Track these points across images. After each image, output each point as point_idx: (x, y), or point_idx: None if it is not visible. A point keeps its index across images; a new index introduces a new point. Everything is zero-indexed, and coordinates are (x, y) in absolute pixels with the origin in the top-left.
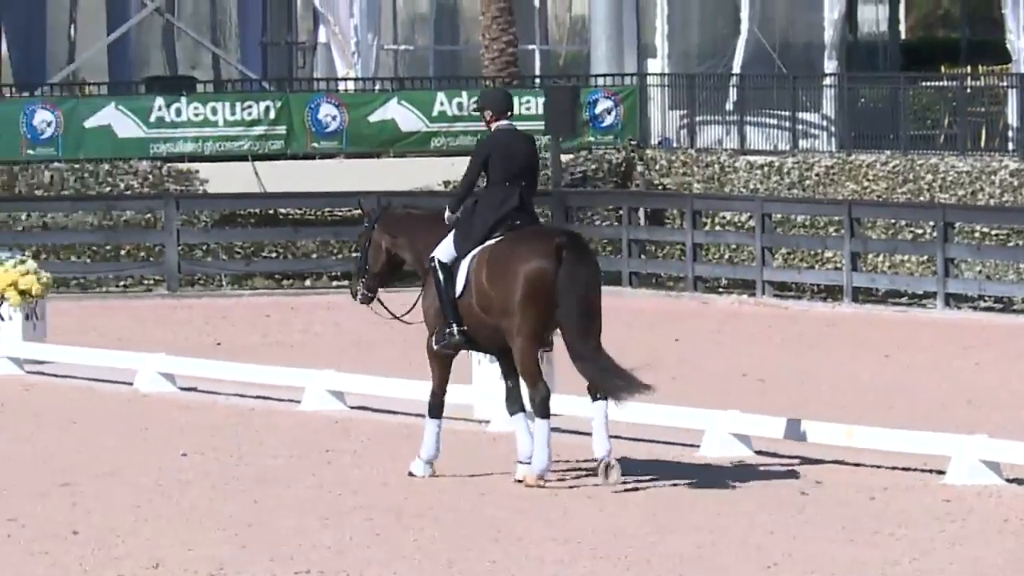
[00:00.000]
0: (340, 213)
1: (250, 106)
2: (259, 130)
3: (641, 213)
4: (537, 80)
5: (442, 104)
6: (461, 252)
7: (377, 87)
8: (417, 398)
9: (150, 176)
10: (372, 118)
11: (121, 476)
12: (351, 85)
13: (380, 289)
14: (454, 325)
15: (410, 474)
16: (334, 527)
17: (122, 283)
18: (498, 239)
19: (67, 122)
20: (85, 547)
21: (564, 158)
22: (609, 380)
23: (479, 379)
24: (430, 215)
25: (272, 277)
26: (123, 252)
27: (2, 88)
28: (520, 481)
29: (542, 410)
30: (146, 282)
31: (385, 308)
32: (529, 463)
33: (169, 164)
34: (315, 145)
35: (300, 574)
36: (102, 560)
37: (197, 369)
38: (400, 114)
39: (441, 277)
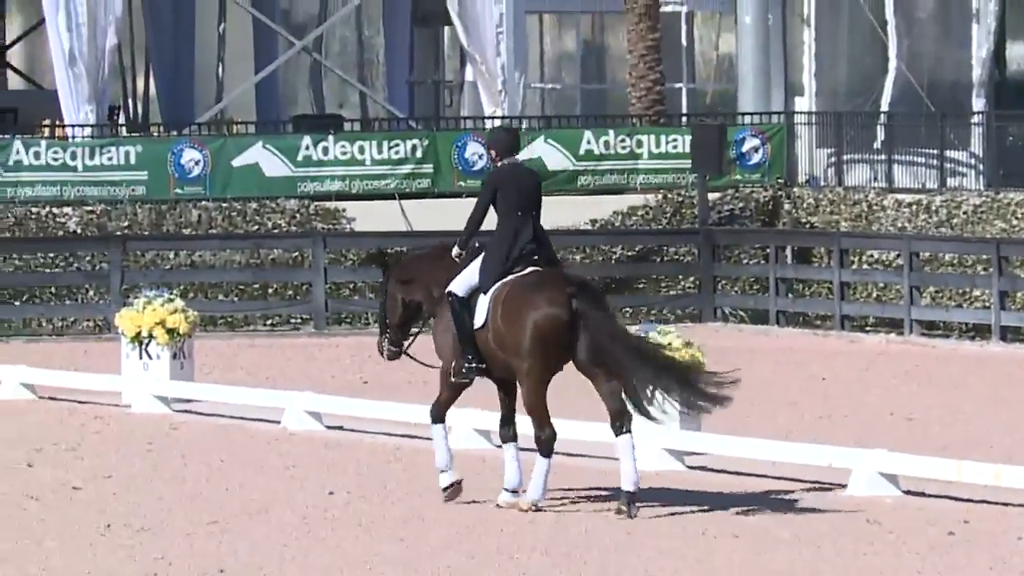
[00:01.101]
0: None
1: (397, 145)
2: (406, 169)
3: (788, 251)
4: (684, 118)
5: (589, 143)
6: (484, 286)
7: (524, 125)
8: (569, 437)
9: (297, 215)
10: (519, 157)
11: (268, 515)
12: (498, 123)
13: (405, 341)
14: (473, 360)
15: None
16: (480, 566)
17: (269, 321)
18: (519, 274)
19: (215, 161)
20: None
21: (711, 196)
22: (682, 386)
23: None
24: (434, 252)
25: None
26: (270, 290)
27: (151, 127)
28: (500, 506)
29: (546, 450)
30: (293, 320)
31: (418, 360)
32: (514, 492)
33: (316, 203)
34: (461, 184)
35: None
36: None
37: (344, 407)
38: (547, 152)
39: (459, 310)
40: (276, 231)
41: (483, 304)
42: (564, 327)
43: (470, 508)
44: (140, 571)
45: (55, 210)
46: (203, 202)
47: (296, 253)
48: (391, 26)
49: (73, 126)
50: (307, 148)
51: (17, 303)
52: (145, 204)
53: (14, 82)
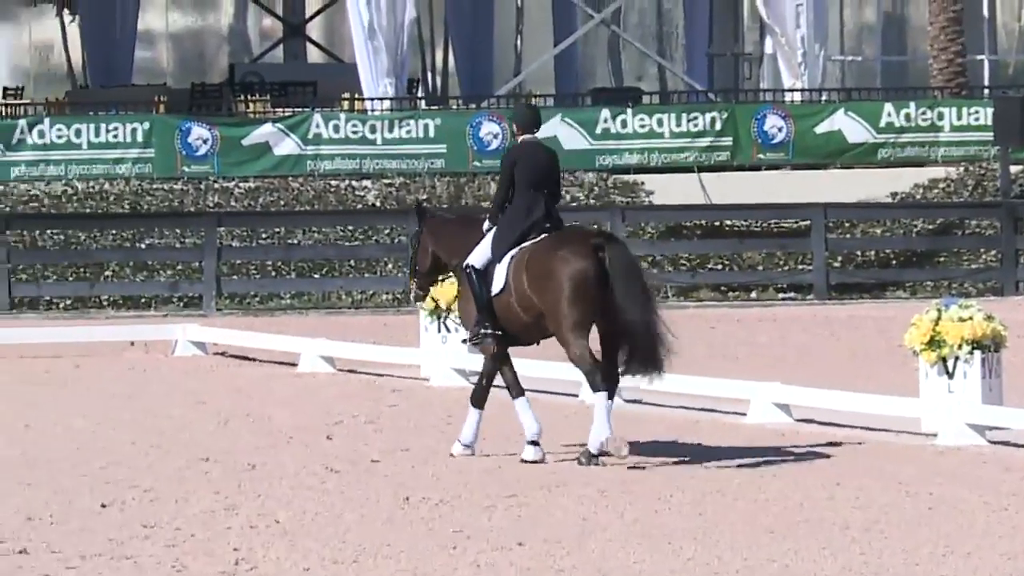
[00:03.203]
0: (786, 225)
1: (696, 117)
2: (705, 141)
3: None
4: (986, 91)
5: (889, 115)
6: (497, 256)
7: (823, 98)
8: (865, 411)
9: (595, 188)
10: (818, 129)
11: (567, 488)
12: (797, 96)
13: (432, 287)
14: (489, 326)
15: (522, 460)
16: (780, 540)
17: None
18: (534, 241)
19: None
20: (529, 558)
21: (1013, 169)
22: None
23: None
24: (465, 219)
25: (718, 289)
26: None
27: (449, 100)
28: (524, 460)
29: (610, 392)
30: None
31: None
32: (535, 442)
33: (615, 176)
34: (761, 156)
35: None
36: (542, 572)
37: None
38: (847, 125)
39: (476, 280)
40: (574, 204)
41: (500, 272)
42: (595, 278)
43: (774, 482)
44: (438, 544)
45: (354, 183)
46: None
47: (594, 226)
48: None
49: (372, 99)
50: (605, 121)
51: (316, 276)
52: (444, 177)
53: (313, 55)
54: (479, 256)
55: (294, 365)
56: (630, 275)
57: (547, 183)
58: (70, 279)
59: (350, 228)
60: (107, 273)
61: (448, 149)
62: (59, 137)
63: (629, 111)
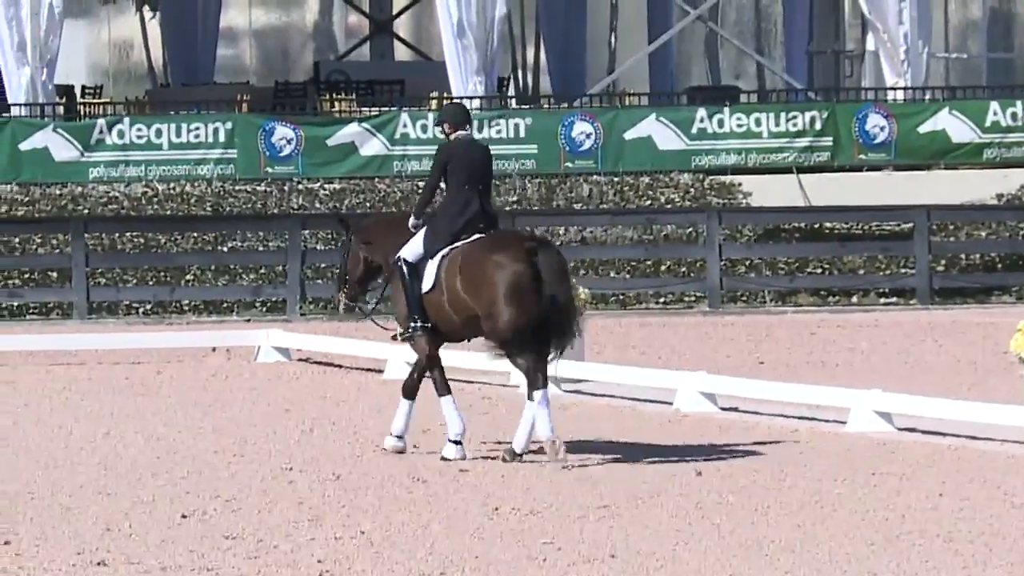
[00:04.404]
0: (888, 227)
1: (795, 117)
2: (804, 141)
3: None
4: None
5: (995, 114)
6: (430, 252)
7: (927, 96)
8: (969, 419)
9: (691, 189)
10: (922, 129)
11: (661, 498)
12: (900, 95)
13: (362, 296)
14: (418, 320)
15: (443, 458)
16: (880, 553)
17: (662, 299)
18: (467, 242)
19: (606, 133)
20: (622, 571)
21: None
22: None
23: None
24: (396, 219)
25: (817, 293)
26: (663, 267)
27: (540, 99)
28: (445, 459)
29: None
30: (687, 298)
31: (378, 324)
32: (457, 442)
33: (711, 177)
34: (862, 157)
35: None
36: None
37: (739, 388)
38: (951, 124)
39: (407, 275)
40: (669, 206)
41: (431, 268)
42: (531, 280)
43: (874, 492)
44: (527, 556)
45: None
46: (594, 176)
47: (690, 229)
48: None
49: (461, 98)
50: (702, 120)
51: None
52: (535, 178)
53: (401, 53)
54: (411, 251)
55: (380, 372)
56: (561, 279)
57: (481, 179)
58: (150, 283)
59: None
60: (188, 277)
61: (539, 149)
62: (139, 137)
63: (726, 110)
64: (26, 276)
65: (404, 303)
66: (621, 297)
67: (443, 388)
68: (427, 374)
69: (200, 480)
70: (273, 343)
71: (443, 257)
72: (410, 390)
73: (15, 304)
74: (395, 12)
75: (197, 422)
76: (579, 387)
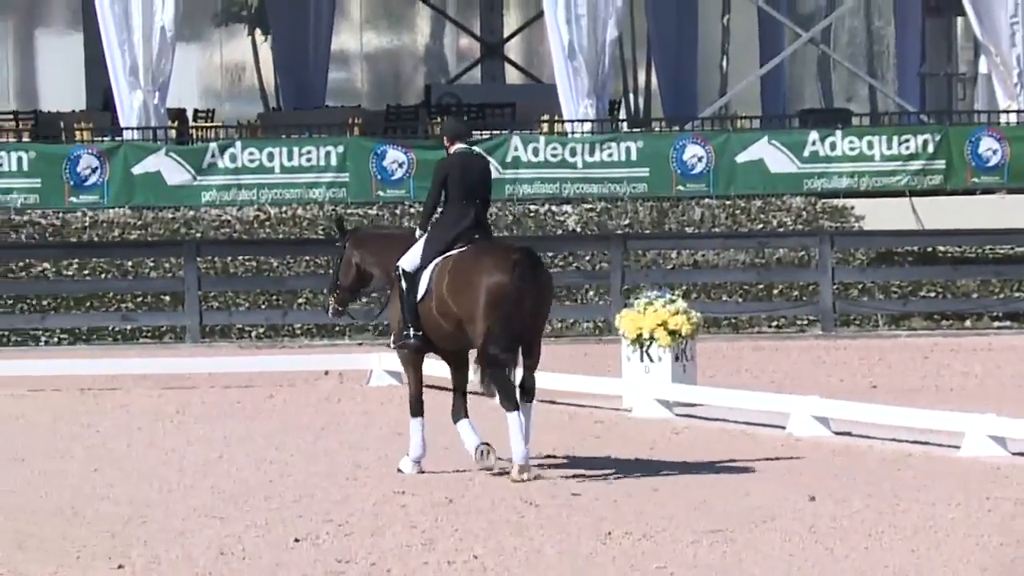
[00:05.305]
0: (1002, 251)
1: (907, 139)
2: (917, 164)
3: None
4: None
5: None
6: (424, 262)
7: None
8: None
9: (804, 212)
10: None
11: (774, 523)
12: (1013, 117)
13: (351, 304)
14: (411, 329)
15: (399, 470)
16: None
17: (774, 323)
18: (459, 250)
19: (718, 156)
20: None
21: None
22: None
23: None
24: (396, 234)
25: (931, 317)
26: (775, 291)
27: (652, 122)
28: (401, 471)
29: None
30: (799, 322)
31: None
32: (417, 461)
33: (823, 200)
34: (975, 180)
35: None
36: None
37: (852, 412)
38: None
39: (404, 284)
40: (781, 229)
41: (424, 278)
42: (514, 290)
43: (987, 517)
44: None
45: (554, 208)
46: (706, 199)
47: (802, 252)
48: (902, 16)
49: (572, 121)
50: (814, 143)
51: None
52: (647, 201)
53: (512, 76)
54: (409, 260)
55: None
56: (544, 293)
57: (480, 192)
58: (262, 307)
59: (549, 254)
60: (300, 300)
61: (651, 172)
62: (251, 161)
63: (838, 133)
64: (139, 300)
65: (399, 311)
66: (733, 321)
67: (417, 409)
68: (458, 390)
69: (312, 504)
70: (385, 367)
71: (435, 266)
72: (457, 412)
73: (128, 328)
74: (506, 35)
75: (309, 445)
76: (692, 411)
